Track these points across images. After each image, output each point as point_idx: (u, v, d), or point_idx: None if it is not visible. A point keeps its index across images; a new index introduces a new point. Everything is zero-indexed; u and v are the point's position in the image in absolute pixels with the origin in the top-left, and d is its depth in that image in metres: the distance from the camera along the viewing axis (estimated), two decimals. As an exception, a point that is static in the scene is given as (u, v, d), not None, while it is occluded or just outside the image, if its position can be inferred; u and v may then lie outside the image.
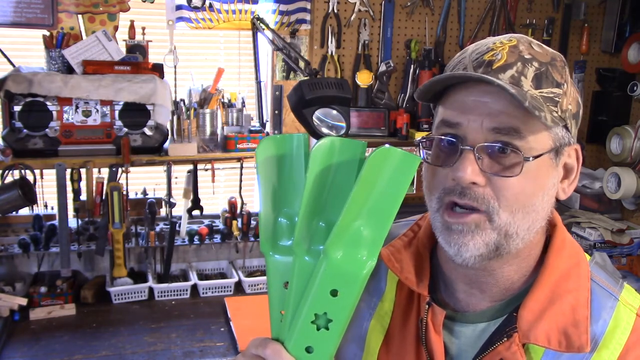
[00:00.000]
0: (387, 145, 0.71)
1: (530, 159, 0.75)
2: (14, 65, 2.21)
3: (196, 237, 2.45)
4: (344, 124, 2.19)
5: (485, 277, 0.83)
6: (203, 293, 2.38)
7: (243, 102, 2.49)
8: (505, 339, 0.79)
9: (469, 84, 0.77)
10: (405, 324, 0.88)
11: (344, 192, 0.73)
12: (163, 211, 2.45)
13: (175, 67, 2.40)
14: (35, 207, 2.23)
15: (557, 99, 0.77)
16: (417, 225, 0.94)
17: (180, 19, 2.39)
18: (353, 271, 0.72)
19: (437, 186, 0.80)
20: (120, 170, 2.23)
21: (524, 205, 0.77)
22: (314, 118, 2.14)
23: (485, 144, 0.76)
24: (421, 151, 0.82)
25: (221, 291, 2.39)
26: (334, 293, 0.72)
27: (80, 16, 2.28)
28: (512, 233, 0.77)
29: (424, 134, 2.61)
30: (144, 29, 2.34)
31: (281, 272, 0.77)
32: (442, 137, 0.79)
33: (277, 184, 0.77)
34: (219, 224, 2.55)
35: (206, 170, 2.43)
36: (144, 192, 2.43)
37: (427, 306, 0.85)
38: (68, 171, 2.21)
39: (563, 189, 0.83)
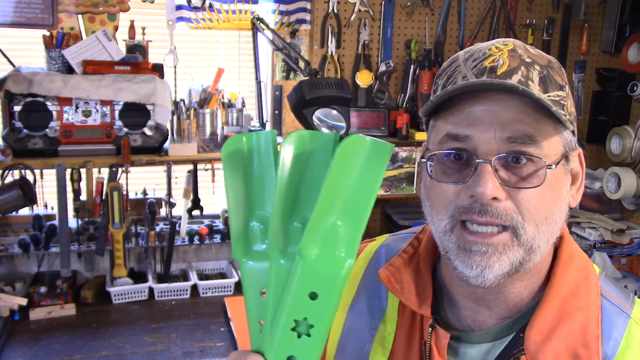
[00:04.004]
0: (357, 134, 0.66)
1: (553, 166, 0.71)
2: (14, 65, 2.21)
3: (196, 237, 2.45)
4: (344, 124, 2.19)
5: (494, 294, 0.78)
6: (203, 293, 2.38)
7: (243, 102, 2.49)
8: None
9: (474, 93, 0.72)
10: (409, 346, 0.83)
11: (317, 187, 0.66)
12: (163, 211, 2.45)
13: (175, 67, 2.40)
14: (35, 207, 2.23)
15: (562, 102, 0.73)
16: (416, 239, 0.90)
17: (180, 19, 2.39)
18: (331, 271, 0.67)
19: (447, 205, 0.74)
20: (120, 170, 2.23)
21: (546, 217, 0.72)
22: (314, 118, 2.14)
23: (502, 154, 0.70)
24: (428, 168, 0.76)
25: (221, 291, 2.39)
26: (313, 296, 0.67)
27: (80, 16, 2.28)
28: (536, 247, 0.73)
29: (424, 134, 2.61)
30: (144, 29, 2.34)
31: (257, 279, 0.72)
32: (452, 151, 0.73)
33: (246, 185, 0.71)
34: (219, 224, 2.55)
35: (206, 170, 2.42)
36: (144, 192, 2.43)
37: (430, 329, 0.80)
38: (68, 171, 2.21)
39: (572, 195, 0.78)
